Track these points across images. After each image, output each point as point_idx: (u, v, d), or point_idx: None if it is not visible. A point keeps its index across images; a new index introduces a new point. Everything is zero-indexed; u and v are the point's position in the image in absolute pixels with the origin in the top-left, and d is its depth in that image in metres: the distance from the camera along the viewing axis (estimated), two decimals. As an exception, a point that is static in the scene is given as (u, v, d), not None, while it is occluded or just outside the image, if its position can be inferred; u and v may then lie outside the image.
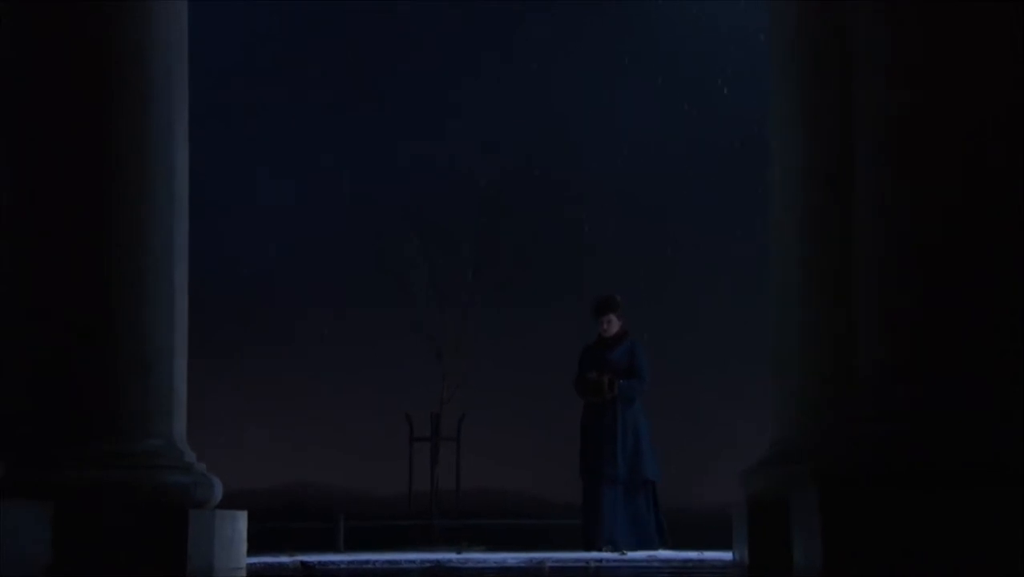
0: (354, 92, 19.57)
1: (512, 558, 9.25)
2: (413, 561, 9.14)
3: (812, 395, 6.19)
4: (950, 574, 4.61)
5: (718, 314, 18.91)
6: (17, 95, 6.87)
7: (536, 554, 9.96)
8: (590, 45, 19.35)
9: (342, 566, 8.15)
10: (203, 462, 7.27)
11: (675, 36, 18.76)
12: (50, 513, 5.95)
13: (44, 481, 6.23)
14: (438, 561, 8.37)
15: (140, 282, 7.02)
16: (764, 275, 7.01)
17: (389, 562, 8.71)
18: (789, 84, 6.71)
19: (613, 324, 11.17)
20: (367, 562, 8.60)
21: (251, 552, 7.48)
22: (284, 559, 9.37)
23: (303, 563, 8.32)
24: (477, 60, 19.66)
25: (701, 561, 8.66)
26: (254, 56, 19.12)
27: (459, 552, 12.57)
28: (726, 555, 9.42)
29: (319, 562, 8.46)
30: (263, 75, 19.22)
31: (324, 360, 19.73)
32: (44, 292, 6.82)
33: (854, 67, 5.29)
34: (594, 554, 10.02)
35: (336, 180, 20.10)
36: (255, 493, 17.09)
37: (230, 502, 7.42)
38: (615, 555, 10.17)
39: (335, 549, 15.95)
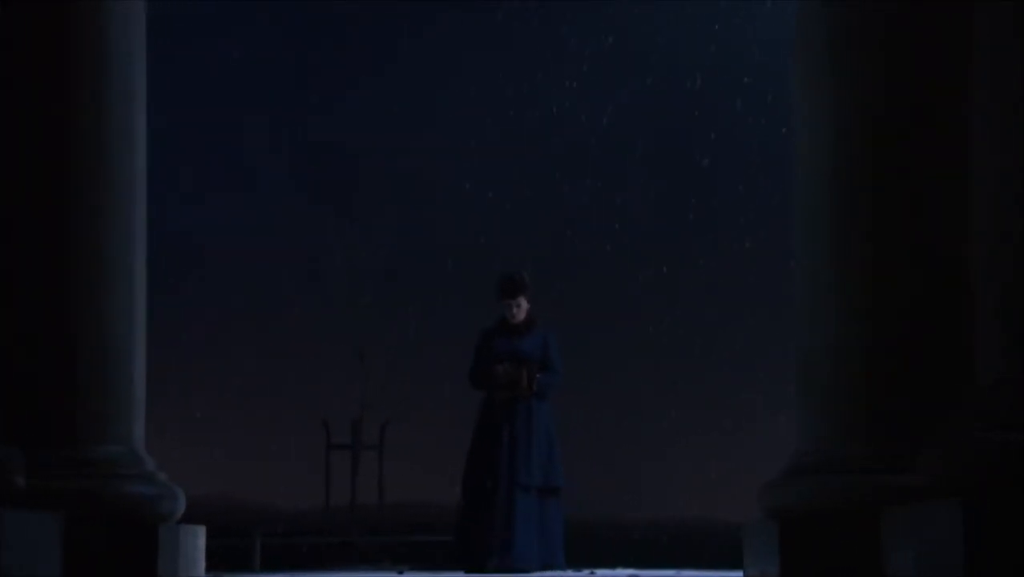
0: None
1: None
2: None
3: (861, 406, 6.43)
4: None
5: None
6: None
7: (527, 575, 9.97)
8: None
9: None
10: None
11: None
12: (62, 525, 5.96)
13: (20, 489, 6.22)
14: None
15: (98, 270, 7.03)
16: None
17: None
18: (811, 81, 6.91)
19: (522, 308, 10.82)
20: None
21: None
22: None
23: None
24: (396, 36, 19.70)
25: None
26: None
27: (400, 572, 12.57)
28: (717, 574, 9.54)
29: None
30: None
31: (235, 360, 19.66)
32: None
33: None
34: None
35: (249, 164, 20.05)
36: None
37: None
38: (585, 573, 10.17)
39: (251, 568, 15.91)
